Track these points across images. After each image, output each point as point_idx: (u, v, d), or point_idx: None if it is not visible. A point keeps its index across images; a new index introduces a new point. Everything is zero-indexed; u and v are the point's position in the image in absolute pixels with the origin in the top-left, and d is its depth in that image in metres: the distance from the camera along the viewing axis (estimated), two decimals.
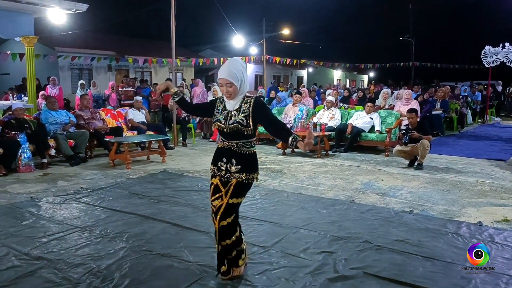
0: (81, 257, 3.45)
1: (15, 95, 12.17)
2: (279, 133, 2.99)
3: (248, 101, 2.86)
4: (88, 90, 12.50)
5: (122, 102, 12.65)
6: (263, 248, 3.62)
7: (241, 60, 2.95)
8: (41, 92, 12.09)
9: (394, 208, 4.76)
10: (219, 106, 2.96)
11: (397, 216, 4.50)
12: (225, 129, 2.88)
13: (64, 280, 3.06)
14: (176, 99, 3.16)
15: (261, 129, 9.46)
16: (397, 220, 4.37)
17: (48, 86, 12.69)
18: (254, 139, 2.99)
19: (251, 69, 29.50)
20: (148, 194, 5.37)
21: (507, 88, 20.20)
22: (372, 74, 43.17)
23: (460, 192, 5.46)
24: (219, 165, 2.93)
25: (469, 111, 14.35)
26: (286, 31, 28.21)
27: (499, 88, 20.01)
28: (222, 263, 3.03)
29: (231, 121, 2.85)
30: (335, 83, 36.10)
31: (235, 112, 2.86)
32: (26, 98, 11.74)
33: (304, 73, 37.70)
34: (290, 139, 2.76)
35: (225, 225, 2.88)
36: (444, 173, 6.57)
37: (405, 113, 8.96)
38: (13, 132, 6.78)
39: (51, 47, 18.39)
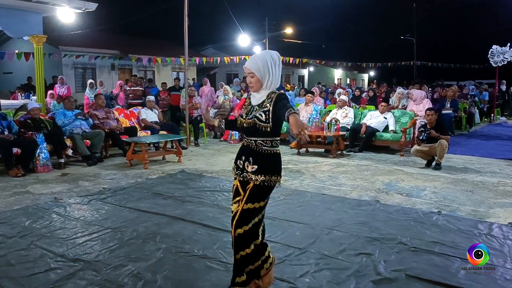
0: (118, 259, 3.43)
1: (23, 94, 12.11)
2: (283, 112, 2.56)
3: (271, 96, 2.66)
4: (97, 89, 12.43)
5: (130, 101, 12.63)
6: (299, 249, 3.60)
7: (276, 54, 2.70)
8: (50, 92, 12.03)
9: (421, 209, 4.75)
10: (247, 101, 2.83)
11: (426, 217, 4.49)
12: (244, 124, 2.73)
13: (107, 282, 3.04)
14: (223, 126, 3.08)
15: None
16: (427, 221, 4.36)
17: (56, 86, 12.64)
18: (277, 138, 2.72)
19: None
20: (172, 194, 5.35)
21: (511, 88, 20.25)
22: (372, 73, 43.19)
23: (484, 193, 5.46)
24: (238, 163, 2.76)
25: (477, 110, 14.38)
26: (288, 30, 28.25)
27: (503, 88, 20.06)
28: (239, 274, 2.74)
29: (250, 116, 2.68)
30: (335, 82, 36.14)
31: (256, 106, 2.70)
32: (35, 97, 11.70)
33: (305, 72, 37.68)
34: (286, 113, 2.45)
35: (241, 233, 2.64)
36: (463, 173, 6.57)
37: (418, 113, 9.01)
38: (30, 132, 6.74)
39: (55, 46, 18.34)
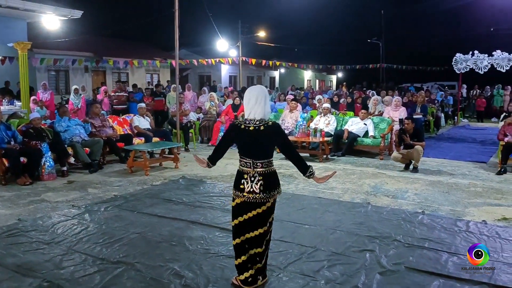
0: (155, 260, 3.87)
1: (7, 101, 12.10)
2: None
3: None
4: (82, 95, 12.58)
5: (114, 107, 12.86)
6: (311, 248, 4.14)
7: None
8: (33, 97, 12.06)
9: (407, 209, 5.40)
10: None
11: (412, 216, 5.13)
12: None
13: (152, 280, 3.49)
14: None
15: None
16: (414, 220, 4.99)
17: (39, 91, 12.69)
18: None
19: (225, 70, 29.95)
20: (181, 200, 5.79)
21: (471, 91, 21.59)
22: (340, 74, 44.41)
23: (458, 193, 6.18)
24: None
25: (442, 114, 15.42)
26: (261, 34, 28.87)
27: (464, 92, 21.40)
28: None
29: None
30: (305, 83, 37.10)
31: None
32: (19, 103, 11.74)
33: (276, 73, 38.39)
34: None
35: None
36: (438, 176, 7.31)
37: (395, 118, 9.77)
38: (34, 142, 6.99)
39: (29, 50, 18.10)
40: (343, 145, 9.19)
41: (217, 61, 23.21)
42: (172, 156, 8.17)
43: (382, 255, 4.00)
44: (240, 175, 3.27)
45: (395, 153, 7.86)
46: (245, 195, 3.20)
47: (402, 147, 7.75)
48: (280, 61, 27.83)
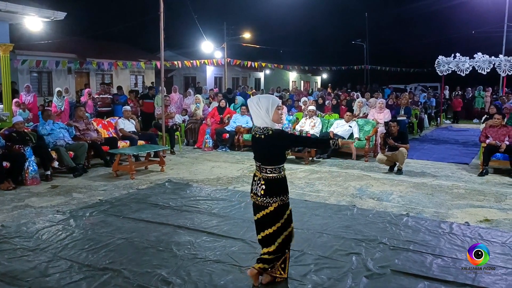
0: (142, 266, 3.85)
1: None
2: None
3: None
4: (65, 97, 12.42)
5: (99, 109, 12.74)
6: (298, 251, 4.16)
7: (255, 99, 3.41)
8: (15, 100, 11.86)
9: (393, 212, 5.47)
10: None
11: (397, 219, 5.20)
12: None
13: (139, 287, 3.47)
14: None
15: (245, 136, 10.02)
16: (399, 222, 5.06)
17: (22, 94, 12.49)
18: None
19: (210, 72, 29.92)
20: (167, 204, 5.76)
21: (453, 93, 21.95)
22: (325, 76, 44.73)
23: (442, 195, 6.29)
24: None
25: (425, 115, 15.65)
26: (246, 35, 28.91)
27: (446, 93, 21.75)
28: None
29: None
30: (290, 84, 37.25)
31: None
32: (1, 106, 11.51)
33: (261, 75, 38.48)
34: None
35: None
36: (422, 178, 7.42)
37: (379, 121, 9.88)
38: (17, 146, 6.89)
39: (11, 51, 17.78)
40: (329, 148, 9.25)
41: (202, 62, 23.14)
42: (158, 159, 8.13)
43: (368, 258, 4.05)
44: (253, 177, 3.51)
45: (380, 155, 7.95)
46: (252, 195, 3.46)
47: (387, 149, 7.84)
48: (265, 63, 27.93)
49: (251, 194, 3.47)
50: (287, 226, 3.45)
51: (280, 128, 3.19)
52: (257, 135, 3.40)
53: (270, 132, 3.34)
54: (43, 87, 20.54)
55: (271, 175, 3.35)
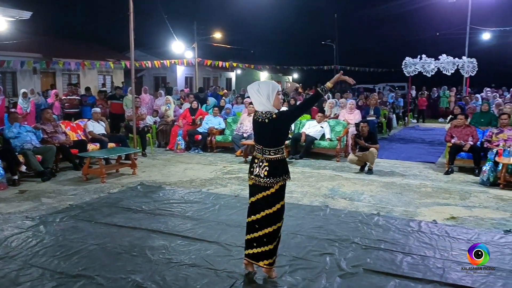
0: (116, 272, 3.81)
1: None
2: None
3: None
4: (31, 99, 12.04)
5: (66, 111, 12.44)
6: None
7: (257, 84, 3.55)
8: None
9: (364, 211, 5.60)
10: None
11: (369, 218, 5.33)
12: None
13: None
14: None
15: (218, 137, 10.02)
16: (370, 222, 5.19)
17: None
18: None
19: (181, 72, 29.66)
20: (140, 208, 5.70)
21: (420, 93, 22.58)
22: (296, 75, 45.13)
23: (410, 194, 6.48)
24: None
25: (394, 115, 16.04)
26: (217, 35, 28.81)
27: (413, 93, 22.35)
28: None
29: None
30: None
31: None
32: None
33: (232, 75, 38.46)
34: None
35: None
36: (391, 177, 7.62)
37: (350, 121, 10.07)
38: None
39: None
40: (301, 148, 9.37)
41: (173, 62, 22.94)
42: (129, 162, 8.02)
43: (341, 258, 4.14)
44: (253, 159, 3.65)
45: (351, 156, 8.11)
46: (253, 177, 3.58)
47: (357, 149, 8.01)
48: (237, 62, 27.95)
49: (252, 176, 3.58)
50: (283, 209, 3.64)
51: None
52: (260, 120, 3.52)
53: (274, 115, 3.49)
54: (8, 88, 19.86)
55: (274, 156, 3.51)
